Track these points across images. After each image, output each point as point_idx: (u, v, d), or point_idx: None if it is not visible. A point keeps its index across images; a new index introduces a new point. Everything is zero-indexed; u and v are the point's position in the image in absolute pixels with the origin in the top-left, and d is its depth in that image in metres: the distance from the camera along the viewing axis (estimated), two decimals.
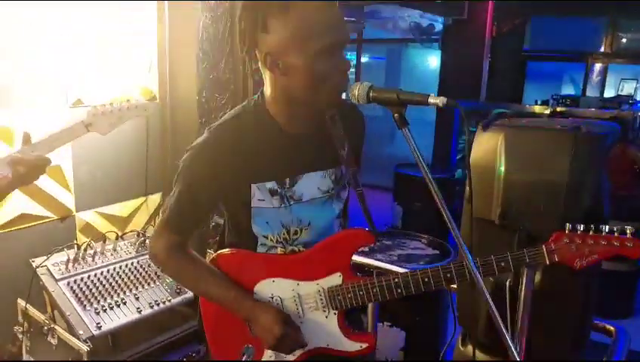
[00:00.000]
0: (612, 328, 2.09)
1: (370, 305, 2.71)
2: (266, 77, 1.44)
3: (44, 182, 2.70)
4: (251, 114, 1.49)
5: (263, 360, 1.55)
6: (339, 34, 1.36)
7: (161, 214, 1.56)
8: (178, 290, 2.43)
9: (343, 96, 1.44)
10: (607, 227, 1.37)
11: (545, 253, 1.41)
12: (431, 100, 1.23)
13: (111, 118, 1.88)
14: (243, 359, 1.48)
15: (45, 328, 2.24)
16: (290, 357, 1.54)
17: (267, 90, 1.47)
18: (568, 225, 1.38)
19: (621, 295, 4.31)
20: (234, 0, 2.96)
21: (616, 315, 4.10)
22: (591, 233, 1.38)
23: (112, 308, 2.24)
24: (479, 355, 2.05)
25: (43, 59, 2.63)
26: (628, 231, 1.34)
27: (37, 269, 2.28)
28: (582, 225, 1.39)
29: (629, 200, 4.26)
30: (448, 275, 1.44)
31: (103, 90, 2.85)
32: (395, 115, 1.29)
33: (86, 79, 2.80)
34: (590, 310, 1.92)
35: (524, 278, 1.45)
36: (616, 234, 1.36)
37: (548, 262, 1.40)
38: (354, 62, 8.82)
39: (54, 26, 2.65)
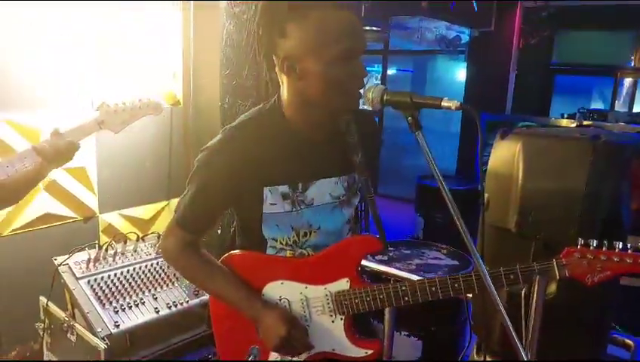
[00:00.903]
0: (631, 342, 2.05)
1: (387, 314, 2.71)
2: (283, 81, 1.46)
3: (69, 183, 2.77)
4: (267, 117, 1.51)
5: (268, 361, 1.56)
6: (356, 41, 1.38)
7: (174, 212, 1.58)
8: (196, 292, 2.45)
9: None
10: (620, 243, 1.35)
11: (555, 267, 1.40)
12: (444, 103, 1.24)
13: (123, 115, 1.91)
14: (249, 360, 1.49)
15: (65, 325, 2.28)
16: (295, 360, 1.55)
17: (284, 94, 1.48)
18: (580, 240, 1.36)
19: None
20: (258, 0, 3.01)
21: None
22: (604, 249, 1.36)
23: (130, 308, 2.28)
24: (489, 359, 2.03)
25: (69, 64, 2.70)
26: None
27: (59, 267, 2.32)
28: (595, 241, 1.37)
29: None
30: (456, 286, 1.44)
31: (128, 94, 2.91)
32: (409, 118, 1.30)
33: (112, 84, 2.86)
34: (607, 321, 1.89)
35: (536, 287, 1.43)
36: (630, 251, 1.33)
37: (558, 277, 1.39)
38: (379, 73, 8.83)
39: (82, 33, 2.72)
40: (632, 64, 7.72)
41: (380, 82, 1.43)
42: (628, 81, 8.17)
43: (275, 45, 1.39)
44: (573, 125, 5.86)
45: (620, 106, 8.04)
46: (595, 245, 1.36)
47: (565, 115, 6.66)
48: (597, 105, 8.86)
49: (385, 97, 1.33)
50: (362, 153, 1.55)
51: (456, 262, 3.21)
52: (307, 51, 1.35)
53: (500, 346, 1.97)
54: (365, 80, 1.42)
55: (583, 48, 7.85)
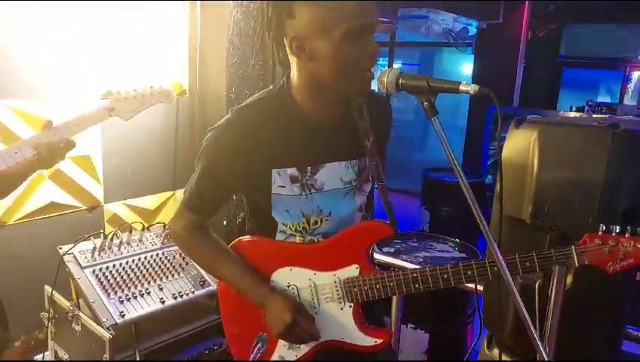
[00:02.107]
0: None
1: (394, 306, 2.68)
2: (293, 63, 1.42)
3: (74, 172, 2.74)
4: (276, 98, 1.47)
5: (276, 349, 1.54)
6: (367, 17, 1.32)
7: (183, 194, 1.56)
8: (202, 282, 2.42)
9: (373, 84, 1.41)
10: None
11: (574, 254, 1.34)
12: (462, 88, 1.19)
13: (133, 103, 1.88)
14: (257, 347, 1.46)
15: (70, 315, 2.26)
16: (305, 348, 1.52)
17: (294, 75, 1.45)
18: (602, 226, 1.31)
19: None
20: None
21: None
22: (627, 235, 1.30)
23: (135, 298, 2.25)
24: (505, 359, 1.99)
25: (76, 53, 2.67)
26: None
27: (64, 256, 2.30)
28: (618, 227, 1.31)
29: None
30: (469, 273, 1.40)
31: (135, 83, 2.87)
32: (425, 103, 1.25)
33: (118, 71, 2.83)
34: (623, 315, 1.85)
35: (555, 278, 1.39)
36: None
37: (577, 264, 1.34)
38: (385, 67, 8.76)
39: (89, 22, 2.69)
40: None
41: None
42: (636, 75, 8.11)
43: (283, 26, 1.35)
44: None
45: (628, 100, 7.99)
46: (617, 231, 1.31)
47: (574, 108, 6.61)
48: (604, 98, 8.79)
49: (400, 81, 1.28)
50: (373, 137, 1.51)
51: (463, 255, 3.18)
52: (316, 30, 1.31)
53: (512, 340, 1.93)
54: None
55: (591, 41, 7.78)
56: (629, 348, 2.17)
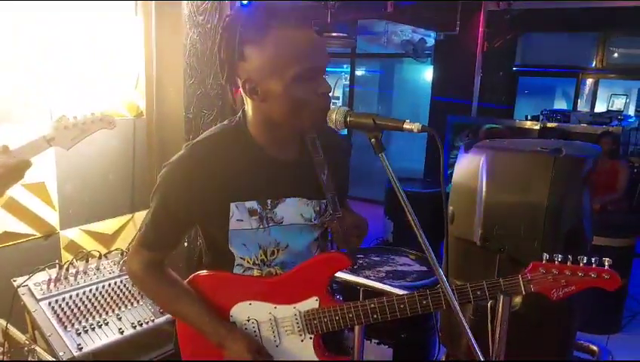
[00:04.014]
0: (595, 348, 2.09)
1: None
2: (247, 102, 1.44)
3: (28, 199, 2.67)
4: (232, 133, 1.49)
5: None
6: (316, 59, 1.35)
7: (138, 230, 1.55)
8: (161, 310, 2.40)
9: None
10: (585, 258, 1.36)
11: (521, 283, 1.41)
12: (406, 126, 1.24)
13: (74, 131, 1.83)
14: None
15: (26, 349, 2.21)
16: None
17: (248, 112, 1.46)
18: (545, 255, 1.37)
19: (608, 310, 4.32)
20: None
21: (603, 331, 4.11)
22: (568, 263, 1.37)
23: (93, 329, 2.21)
24: None
25: (28, 75, 2.61)
26: (606, 263, 1.34)
27: (18, 289, 2.25)
28: (560, 256, 1.38)
29: (616, 216, 4.28)
30: (424, 302, 1.44)
31: (88, 106, 2.83)
32: (372, 140, 1.29)
33: (71, 96, 2.78)
34: (572, 328, 1.92)
35: (501, 305, 1.45)
36: (594, 265, 1.35)
37: (524, 292, 1.40)
38: (348, 74, 8.85)
39: (41, 42, 2.64)
40: (594, 65, 7.91)
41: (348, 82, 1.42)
42: (590, 82, 8.39)
43: (236, 68, 1.37)
44: (537, 127, 6.00)
45: (582, 105, 8.25)
46: (560, 260, 1.38)
47: (529, 117, 6.79)
48: (560, 104, 9.06)
49: (348, 119, 1.31)
50: (328, 170, 1.53)
51: (424, 268, 3.22)
52: (267, 73, 1.33)
53: (467, 356, 1.98)
54: (334, 81, 1.40)
55: (545, 50, 8.01)
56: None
